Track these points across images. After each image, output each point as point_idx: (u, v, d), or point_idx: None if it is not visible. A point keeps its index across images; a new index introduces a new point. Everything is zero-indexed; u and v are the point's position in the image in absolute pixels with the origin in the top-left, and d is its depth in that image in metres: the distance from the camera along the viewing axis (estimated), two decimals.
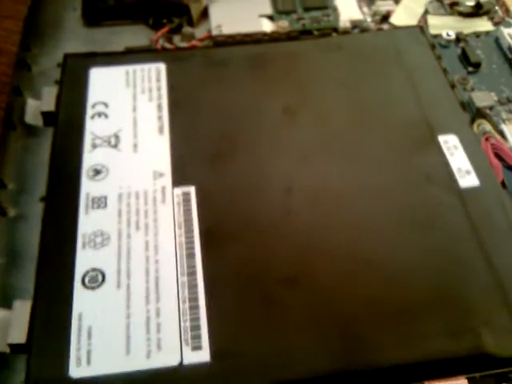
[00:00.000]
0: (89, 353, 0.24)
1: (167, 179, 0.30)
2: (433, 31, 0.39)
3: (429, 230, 0.28)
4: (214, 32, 0.38)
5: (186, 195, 0.29)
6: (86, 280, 0.26)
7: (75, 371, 0.24)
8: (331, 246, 0.28)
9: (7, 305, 0.26)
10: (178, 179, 0.30)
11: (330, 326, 0.25)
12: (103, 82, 0.35)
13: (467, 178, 0.30)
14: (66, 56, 0.36)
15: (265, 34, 0.38)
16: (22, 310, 0.26)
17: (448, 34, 0.38)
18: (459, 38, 0.38)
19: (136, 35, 0.39)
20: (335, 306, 0.26)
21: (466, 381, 0.24)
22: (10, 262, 0.29)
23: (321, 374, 0.24)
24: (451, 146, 0.32)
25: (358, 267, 0.27)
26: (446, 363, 0.24)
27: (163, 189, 0.30)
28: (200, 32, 0.39)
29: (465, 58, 0.37)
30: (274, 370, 0.24)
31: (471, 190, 0.30)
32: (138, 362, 0.24)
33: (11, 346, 0.25)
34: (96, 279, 0.26)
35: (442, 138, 0.32)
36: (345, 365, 0.24)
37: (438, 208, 0.29)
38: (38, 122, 0.33)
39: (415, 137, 0.32)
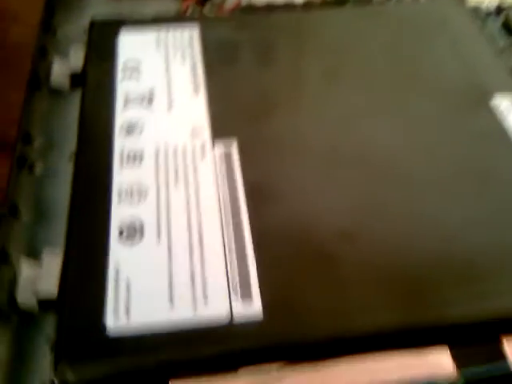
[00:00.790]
0: (127, 306, 0.22)
1: (206, 136, 0.28)
2: (472, 3, 0.37)
3: (488, 185, 0.26)
4: (244, 2, 0.37)
5: (227, 151, 0.27)
6: (123, 234, 0.24)
7: (113, 324, 0.21)
8: (388, 201, 0.26)
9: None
10: (218, 135, 0.28)
11: (391, 280, 0.23)
12: (133, 46, 0.33)
13: None
14: (93, 23, 0.34)
15: (295, 5, 0.36)
16: (52, 258, 0.23)
17: (488, 6, 0.37)
18: (500, 9, 0.37)
19: (163, 7, 0.37)
20: (396, 261, 0.24)
21: None
22: (37, 218, 0.26)
23: (383, 330, 0.22)
24: (504, 108, 0.30)
25: (418, 222, 0.25)
26: None
27: (202, 145, 0.28)
28: (230, 2, 0.37)
29: (507, 28, 0.36)
30: (330, 325, 0.22)
31: None
32: (184, 315, 0.22)
33: (40, 301, 0.22)
34: (134, 233, 0.24)
35: (494, 101, 0.30)
36: (410, 320, 0.22)
37: (497, 163, 0.27)
38: (64, 83, 0.31)
39: (466, 99, 0.30)
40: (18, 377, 0.22)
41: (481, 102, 0.30)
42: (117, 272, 0.23)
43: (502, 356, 0.21)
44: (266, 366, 0.21)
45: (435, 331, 0.22)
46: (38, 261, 0.24)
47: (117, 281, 0.23)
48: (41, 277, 0.23)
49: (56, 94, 0.31)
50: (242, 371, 0.21)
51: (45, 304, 0.23)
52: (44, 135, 0.29)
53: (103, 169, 0.27)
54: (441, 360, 0.20)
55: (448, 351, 0.21)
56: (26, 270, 0.24)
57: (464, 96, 0.31)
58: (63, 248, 0.24)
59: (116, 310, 0.22)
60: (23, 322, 0.23)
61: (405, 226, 0.25)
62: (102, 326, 0.21)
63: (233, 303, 0.22)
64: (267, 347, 0.21)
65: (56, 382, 0.20)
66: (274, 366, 0.21)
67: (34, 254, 0.25)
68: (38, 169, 0.28)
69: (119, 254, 0.23)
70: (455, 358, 0.21)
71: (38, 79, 0.31)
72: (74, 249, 0.24)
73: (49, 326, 0.23)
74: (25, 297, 0.23)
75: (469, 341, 0.21)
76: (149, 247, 0.24)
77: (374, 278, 0.23)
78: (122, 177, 0.26)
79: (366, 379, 0.20)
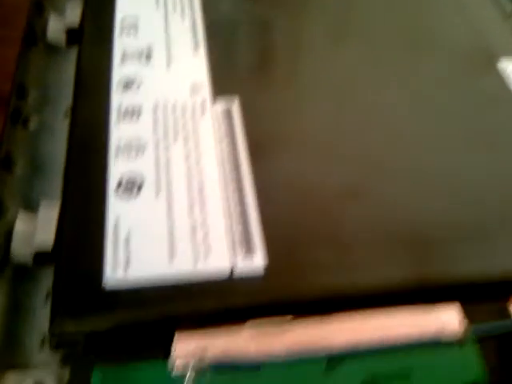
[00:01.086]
0: (127, 259, 0.21)
1: (206, 92, 0.27)
2: None
3: (495, 144, 0.26)
4: None
5: (228, 107, 0.27)
6: (121, 188, 0.24)
7: (111, 276, 0.21)
8: (394, 159, 0.25)
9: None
10: (219, 92, 0.27)
11: (398, 236, 0.22)
12: (131, 2, 0.32)
13: None
14: None
15: None
16: (48, 211, 0.23)
17: None
18: None
19: None
20: (403, 218, 0.23)
21: None
22: (33, 172, 0.25)
23: (389, 286, 0.21)
24: (510, 71, 0.29)
25: (426, 180, 0.24)
26: None
27: (203, 102, 0.27)
28: None
29: None
30: (335, 280, 0.21)
31: None
32: (184, 268, 0.21)
33: (36, 254, 0.22)
34: (132, 187, 0.24)
35: (500, 64, 0.29)
36: (417, 276, 0.21)
37: (503, 124, 0.26)
38: (61, 39, 0.30)
39: (474, 62, 0.30)
40: (15, 329, 0.21)
41: (488, 65, 0.30)
42: (115, 225, 0.22)
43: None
44: (272, 320, 0.20)
45: (443, 289, 0.21)
46: (34, 214, 0.23)
47: (116, 234, 0.22)
48: (37, 229, 0.22)
49: (52, 50, 0.31)
50: (249, 324, 0.20)
51: (40, 257, 0.22)
52: (39, 90, 0.29)
53: (100, 124, 0.26)
54: (450, 316, 0.20)
55: (457, 308, 0.20)
56: (21, 223, 0.23)
57: (471, 59, 0.30)
58: (60, 201, 0.23)
59: (115, 263, 0.21)
60: (19, 275, 0.22)
61: (413, 183, 0.24)
62: (100, 279, 0.21)
63: (235, 258, 0.21)
64: (270, 302, 0.21)
65: (53, 334, 0.20)
66: (280, 319, 0.20)
67: (30, 207, 0.24)
68: (33, 124, 0.27)
69: (118, 207, 0.23)
70: (465, 314, 0.20)
71: (34, 35, 0.31)
72: (71, 201, 0.23)
73: (46, 280, 0.22)
74: (19, 250, 0.22)
75: (479, 298, 0.21)
76: (148, 201, 0.23)
77: (381, 235, 0.22)
78: (119, 132, 0.26)
79: (372, 334, 0.20)
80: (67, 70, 0.29)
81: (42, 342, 0.21)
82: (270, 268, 0.21)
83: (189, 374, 0.18)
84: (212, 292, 0.21)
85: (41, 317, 0.21)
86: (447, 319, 0.20)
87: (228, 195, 0.23)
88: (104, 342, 0.20)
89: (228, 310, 0.21)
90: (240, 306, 0.21)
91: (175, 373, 0.19)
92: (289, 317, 0.20)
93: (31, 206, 0.24)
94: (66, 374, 0.19)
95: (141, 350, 0.20)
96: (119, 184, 0.24)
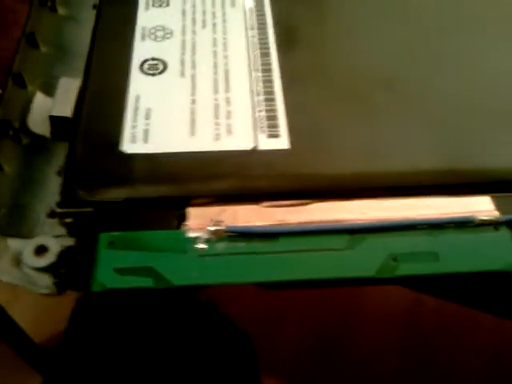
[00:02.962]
0: (146, 131, 0.21)
1: None
2: None
3: None
4: None
5: None
6: (145, 67, 0.23)
7: (129, 147, 0.20)
8: (428, 51, 0.24)
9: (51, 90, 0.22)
10: None
11: (432, 126, 0.21)
12: None
13: None
14: None
15: None
16: (68, 86, 0.22)
17: None
18: None
19: None
20: (438, 109, 0.22)
21: None
22: (57, 55, 0.25)
23: (422, 173, 0.20)
24: None
25: (462, 74, 0.23)
26: None
27: None
28: None
29: None
30: (360, 167, 0.20)
31: None
32: (205, 144, 0.20)
33: (53, 118, 0.21)
34: (156, 67, 0.23)
35: None
36: (449, 167, 0.20)
37: None
38: None
39: None
40: (23, 199, 0.20)
41: None
42: (137, 99, 0.22)
43: None
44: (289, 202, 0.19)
45: (476, 179, 0.20)
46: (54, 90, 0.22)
47: (136, 107, 0.21)
48: (56, 100, 0.22)
49: None
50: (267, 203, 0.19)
51: (58, 127, 0.21)
52: None
53: (128, 8, 0.25)
54: (483, 200, 0.19)
55: (490, 198, 0.19)
56: (40, 94, 0.22)
57: None
58: (82, 78, 0.22)
59: (133, 135, 0.20)
60: (36, 147, 0.21)
61: (449, 75, 0.23)
62: (117, 148, 0.20)
63: (257, 139, 0.20)
64: (291, 184, 0.20)
65: (63, 201, 0.19)
66: (299, 202, 0.19)
67: (52, 86, 0.23)
68: (61, 11, 0.26)
69: (140, 82, 0.22)
70: (497, 204, 0.19)
71: None
72: (93, 75, 0.22)
73: (61, 156, 0.21)
74: (36, 121, 0.22)
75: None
76: (172, 79, 0.22)
77: (415, 123, 0.21)
78: (147, 17, 0.25)
79: (397, 213, 0.19)
80: None
81: (49, 214, 0.20)
82: (292, 151, 0.20)
83: (202, 237, 0.18)
84: (232, 171, 0.20)
85: (50, 191, 0.20)
86: (481, 202, 0.19)
87: (254, 80, 0.22)
88: (114, 214, 0.19)
89: (248, 190, 0.20)
90: (261, 186, 0.20)
91: (189, 235, 0.18)
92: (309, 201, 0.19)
93: (52, 85, 0.23)
94: (71, 241, 0.18)
95: (152, 222, 0.19)
96: (144, 61, 0.23)
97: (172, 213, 0.19)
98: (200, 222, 0.18)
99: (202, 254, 0.18)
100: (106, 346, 0.34)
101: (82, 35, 0.26)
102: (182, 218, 0.19)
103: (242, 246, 0.18)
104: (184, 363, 0.33)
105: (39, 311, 0.44)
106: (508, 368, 0.45)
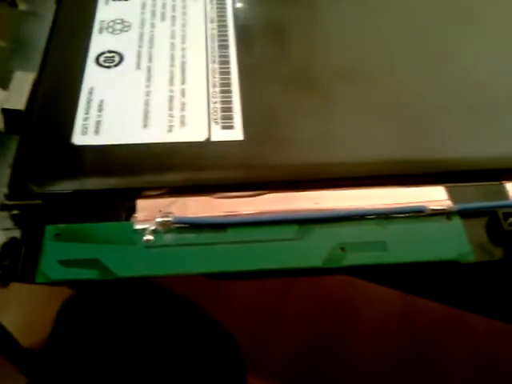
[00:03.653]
0: (98, 123, 0.20)
1: None
2: None
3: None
4: None
5: None
6: (101, 59, 0.23)
7: (79, 139, 0.20)
8: (388, 45, 0.24)
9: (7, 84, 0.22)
10: None
11: (388, 118, 0.21)
12: None
13: None
14: None
15: None
16: (23, 79, 0.22)
17: None
18: None
19: None
20: (396, 99, 0.22)
21: None
22: (15, 49, 0.24)
23: (372, 162, 0.20)
24: None
25: (420, 67, 0.23)
26: None
27: None
28: None
29: None
30: (313, 157, 0.20)
31: None
32: (157, 135, 0.20)
33: (6, 111, 0.21)
34: (112, 59, 0.23)
35: None
36: (402, 158, 0.20)
37: None
38: None
39: None
40: None
41: None
42: (91, 91, 0.21)
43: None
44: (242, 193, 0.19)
45: (431, 169, 0.20)
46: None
47: (89, 100, 0.21)
48: (10, 94, 0.21)
49: None
50: (218, 194, 0.19)
51: (11, 120, 0.21)
52: None
53: (87, 2, 0.25)
54: (437, 192, 0.19)
55: (445, 187, 0.19)
56: None
57: None
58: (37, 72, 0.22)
59: (85, 127, 0.20)
60: None
61: (406, 68, 0.23)
62: (67, 141, 0.20)
63: (212, 130, 0.20)
64: (243, 175, 0.20)
65: (11, 193, 0.19)
66: (250, 193, 0.19)
67: (7, 79, 0.23)
68: (21, 6, 0.26)
69: (95, 75, 0.22)
70: (453, 194, 0.19)
71: None
72: (48, 68, 0.22)
73: (13, 151, 0.21)
74: None
75: (467, 181, 0.20)
76: (127, 72, 0.22)
77: (371, 115, 0.21)
78: (106, 10, 0.25)
79: (347, 203, 0.19)
80: None
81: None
82: (246, 142, 0.20)
83: (149, 228, 0.17)
84: (184, 163, 0.20)
85: (3, 184, 0.20)
86: (435, 193, 0.19)
87: (211, 72, 0.22)
88: (63, 206, 0.19)
89: (201, 181, 0.19)
90: (213, 178, 0.20)
91: (137, 227, 0.18)
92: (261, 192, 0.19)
93: (9, 79, 0.23)
94: (17, 233, 0.18)
95: (100, 214, 0.19)
96: (100, 55, 0.23)
97: (121, 205, 0.19)
98: (149, 213, 0.18)
99: (149, 245, 0.18)
100: (90, 349, 0.34)
101: (42, 30, 0.26)
102: (132, 210, 0.18)
103: (190, 237, 0.18)
104: (169, 365, 0.33)
105: (28, 315, 0.44)
106: (502, 367, 0.45)
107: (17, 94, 0.22)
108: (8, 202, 0.19)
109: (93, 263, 0.17)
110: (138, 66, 0.22)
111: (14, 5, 0.26)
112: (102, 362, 0.34)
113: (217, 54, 0.23)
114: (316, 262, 0.17)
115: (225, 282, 0.46)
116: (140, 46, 0.23)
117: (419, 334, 0.47)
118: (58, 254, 0.17)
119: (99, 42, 0.23)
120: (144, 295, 0.37)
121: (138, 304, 0.37)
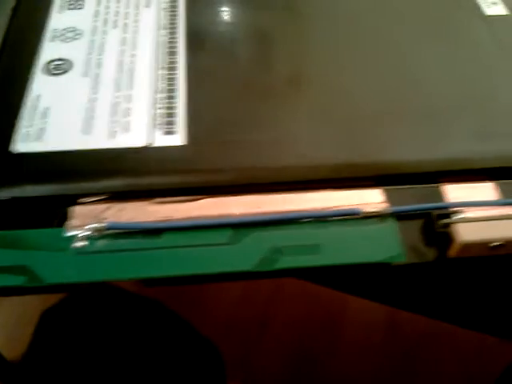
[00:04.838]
0: (41, 130, 0.20)
1: None
2: None
3: (454, 44, 0.24)
4: None
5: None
6: (50, 67, 0.23)
7: (20, 146, 0.20)
8: (334, 51, 0.23)
9: None
10: None
11: (334, 122, 0.21)
12: None
13: (493, 8, 0.26)
14: None
15: None
16: None
17: None
18: None
19: None
20: (340, 104, 0.22)
21: (492, 183, 0.19)
22: None
23: (312, 166, 0.20)
24: None
25: (372, 70, 0.23)
26: (468, 168, 0.20)
27: None
28: None
29: None
30: (257, 161, 0.20)
31: (498, 18, 0.26)
32: (99, 142, 0.20)
33: None
34: (61, 67, 0.23)
35: None
36: (344, 162, 0.20)
37: (465, 28, 0.25)
38: None
39: None
40: None
41: None
42: (37, 99, 0.21)
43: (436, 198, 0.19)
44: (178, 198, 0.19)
45: (369, 172, 0.20)
46: None
47: (35, 107, 0.21)
48: None
49: None
50: (154, 200, 0.19)
51: None
52: None
53: (41, 12, 0.25)
54: (374, 195, 0.19)
55: (380, 189, 0.19)
56: None
57: None
58: None
59: (27, 134, 0.20)
60: None
61: (352, 73, 0.23)
62: (8, 148, 0.20)
63: (154, 135, 0.20)
64: (183, 181, 0.19)
65: None
66: (188, 198, 0.19)
67: None
68: None
69: (43, 83, 0.22)
70: (389, 196, 0.19)
71: None
72: None
73: None
74: None
75: (405, 183, 0.19)
76: (75, 79, 0.22)
77: (314, 119, 0.21)
78: (59, 19, 0.25)
79: (279, 206, 0.18)
80: None
81: None
82: (188, 148, 0.20)
83: (81, 234, 0.17)
84: (123, 169, 0.20)
85: None
86: (372, 195, 0.18)
87: (159, 78, 0.22)
88: None
89: (140, 187, 0.19)
90: (153, 183, 0.19)
91: (68, 233, 0.17)
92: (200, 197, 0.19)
93: None
94: None
95: (34, 220, 0.18)
96: (49, 62, 0.23)
97: (55, 211, 0.18)
98: (83, 220, 0.18)
99: (81, 251, 0.17)
100: (69, 358, 0.34)
101: None
102: (65, 216, 0.18)
103: (123, 242, 0.18)
104: (148, 371, 0.33)
105: (11, 328, 0.44)
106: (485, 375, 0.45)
107: None
108: None
109: (21, 270, 0.17)
110: (86, 74, 0.22)
111: None
112: (79, 371, 0.34)
113: (166, 60, 0.23)
114: (247, 266, 0.17)
115: (210, 288, 0.46)
116: (90, 54, 0.23)
117: (404, 345, 0.47)
118: None
119: (50, 50, 0.23)
120: (120, 302, 0.37)
121: (113, 312, 0.36)
